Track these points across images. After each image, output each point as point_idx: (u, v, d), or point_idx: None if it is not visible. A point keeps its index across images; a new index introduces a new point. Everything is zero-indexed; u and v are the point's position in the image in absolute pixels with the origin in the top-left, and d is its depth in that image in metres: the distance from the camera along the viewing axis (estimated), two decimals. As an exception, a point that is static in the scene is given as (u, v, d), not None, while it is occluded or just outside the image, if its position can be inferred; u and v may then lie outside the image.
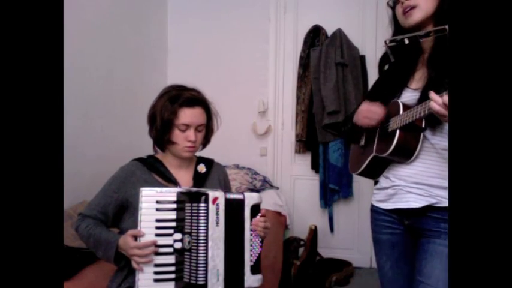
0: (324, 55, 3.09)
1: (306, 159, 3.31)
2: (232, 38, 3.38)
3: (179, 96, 1.38)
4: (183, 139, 1.38)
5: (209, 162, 1.54)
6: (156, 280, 1.23)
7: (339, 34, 3.11)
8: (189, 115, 1.38)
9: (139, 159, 1.45)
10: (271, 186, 3.21)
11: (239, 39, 3.37)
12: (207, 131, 1.46)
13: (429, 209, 1.18)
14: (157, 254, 1.24)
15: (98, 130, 2.48)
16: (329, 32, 3.19)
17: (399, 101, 1.23)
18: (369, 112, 1.28)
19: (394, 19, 1.29)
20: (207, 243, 1.20)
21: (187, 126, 1.38)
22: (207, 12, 3.41)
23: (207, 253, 1.20)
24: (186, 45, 3.44)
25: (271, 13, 3.33)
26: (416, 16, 1.19)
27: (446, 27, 1.13)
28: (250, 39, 3.36)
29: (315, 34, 3.22)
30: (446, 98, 0.96)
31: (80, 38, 2.29)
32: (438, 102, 0.98)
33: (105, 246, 1.31)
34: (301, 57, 3.25)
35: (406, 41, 1.23)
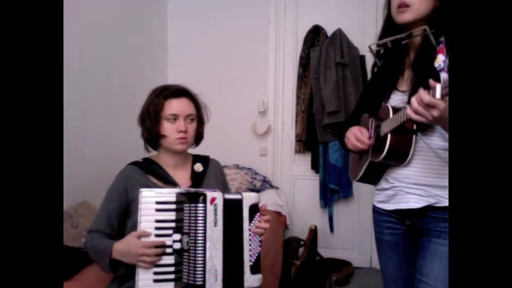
0: (324, 55, 3.09)
1: (306, 159, 3.31)
2: (232, 38, 3.38)
3: (164, 90, 1.43)
4: (173, 131, 1.39)
5: (205, 160, 1.54)
6: (155, 280, 1.23)
7: (339, 34, 3.11)
8: (175, 105, 1.40)
9: (135, 163, 1.44)
10: (271, 186, 3.21)
11: (239, 39, 3.37)
12: (198, 123, 1.47)
13: (429, 209, 1.18)
14: (158, 254, 1.24)
15: (98, 130, 2.48)
16: (329, 32, 3.18)
17: (388, 105, 1.24)
18: (356, 141, 1.29)
19: (389, 6, 1.28)
20: (205, 243, 1.20)
21: (176, 116, 1.39)
22: (207, 12, 3.41)
23: (205, 253, 1.20)
24: (186, 45, 3.44)
25: (271, 13, 3.33)
26: (408, 16, 1.18)
27: (426, 27, 1.13)
28: (250, 39, 3.36)
29: (315, 34, 3.22)
30: (422, 95, 0.97)
31: (80, 38, 2.29)
32: (413, 107, 1.00)
33: (103, 254, 1.29)
34: (301, 57, 3.25)
35: (389, 45, 1.24)
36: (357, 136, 1.29)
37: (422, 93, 0.97)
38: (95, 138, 2.45)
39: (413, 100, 1.00)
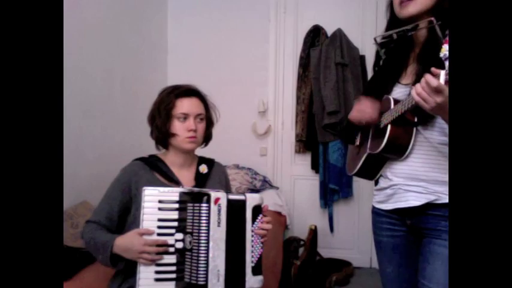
0: (324, 55, 3.09)
1: (306, 159, 3.31)
2: (232, 38, 3.38)
3: (175, 89, 1.44)
4: (183, 130, 1.40)
5: (210, 163, 1.55)
6: (156, 280, 1.23)
7: (339, 34, 3.11)
8: (186, 104, 1.41)
9: (141, 159, 1.45)
10: (271, 186, 3.21)
11: (239, 39, 3.37)
12: (207, 123, 1.48)
13: (429, 206, 1.17)
14: (159, 253, 1.24)
15: (98, 130, 2.48)
16: (329, 32, 3.19)
17: (390, 96, 1.22)
18: (360, 107, 1.28)
19: (391, 7, 1.26)
20: (208, 243, 1.20)
21: (186, 115, 1.40)
22: (207, 12, 3.41)
23: (207, 253, 1.20)
24: (186, 45, 3.44)
25: (271, 13, 3.33)
26: (412, 9, 1.16)
27: (433, 19, 1.11)
28: (250, 39, 3.36)
29: (315, 34, 3.22)
30: (429, 79, 0.95)
31: (80, 38, 2.28)
32: (417, 91, 0.98)
33: (102, 248, 1.29)
34: (301, 57, 3.25)
35: (395, 36, 1.22)
36: (361, 104, 1.28)
37: (429, 77, 0.95)
38: (95, 138, 2.45)
39: (417, 85, 0.98)
